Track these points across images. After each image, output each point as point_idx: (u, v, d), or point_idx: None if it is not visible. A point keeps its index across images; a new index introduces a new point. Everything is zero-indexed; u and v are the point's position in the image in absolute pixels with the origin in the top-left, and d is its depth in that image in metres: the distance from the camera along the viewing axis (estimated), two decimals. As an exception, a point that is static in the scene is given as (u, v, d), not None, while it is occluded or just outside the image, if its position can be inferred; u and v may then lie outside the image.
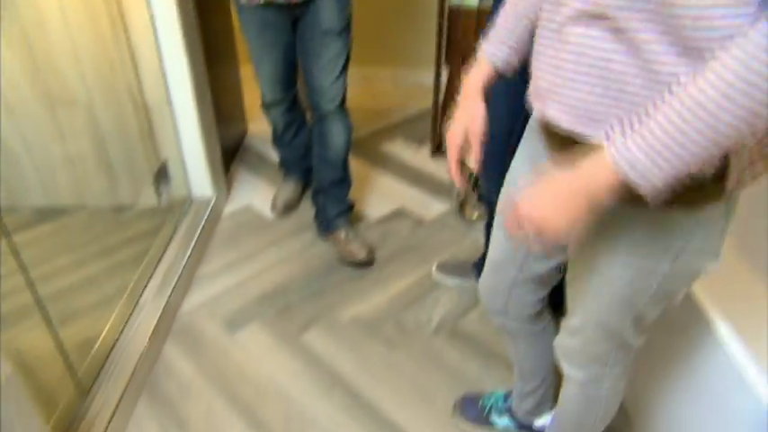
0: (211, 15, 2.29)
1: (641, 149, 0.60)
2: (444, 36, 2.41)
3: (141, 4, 1.79)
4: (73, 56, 1.86)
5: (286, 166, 2.38)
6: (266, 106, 2.08)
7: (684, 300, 1.14)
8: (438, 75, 2.50)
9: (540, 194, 0.70)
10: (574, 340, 0.98)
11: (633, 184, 0.61)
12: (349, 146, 1.97)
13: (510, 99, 1.43)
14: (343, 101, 1.88)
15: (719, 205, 0.75)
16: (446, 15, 2.37)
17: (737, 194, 0.76)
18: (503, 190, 1.03)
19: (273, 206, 2.31)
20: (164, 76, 1.93)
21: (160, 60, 1.90)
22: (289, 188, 2.36)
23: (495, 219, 1.06)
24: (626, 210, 0.75)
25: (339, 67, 1.79)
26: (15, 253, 1.24)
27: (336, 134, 1.92)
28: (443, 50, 2.44)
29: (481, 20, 2.32)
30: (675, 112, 0.58)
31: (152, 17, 1.82)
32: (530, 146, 0.96)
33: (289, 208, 2.32)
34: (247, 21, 1.78)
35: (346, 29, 1.76)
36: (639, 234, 0.78)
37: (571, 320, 0.97)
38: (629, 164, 0.60)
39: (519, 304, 1.10)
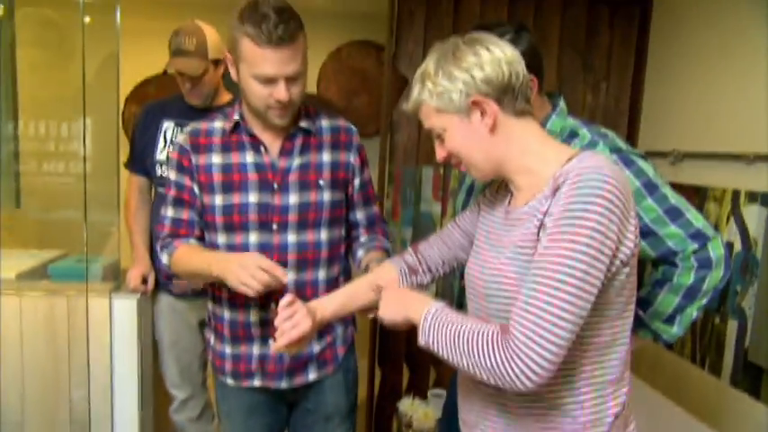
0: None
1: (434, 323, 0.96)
2: (377, 341, 2.65)
3: (105, 355, 1.90)
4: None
5: None
6: None
7: None
8: (372, 376, 2.67)
9: (395, 291, 1.12)
10: None
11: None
12: None
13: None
14: None
15: None
16: (378, 324, 2.65)
17: None
18: None
19: None
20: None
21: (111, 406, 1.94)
22: None
23: None
24: None
25: None
26: None
27: None
28: (376, 356, 2.65)
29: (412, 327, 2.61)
30: (452, 325, 0.94)
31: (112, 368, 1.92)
32: None
33: None
34: (231, 405, 1.48)
35: (353, 410, 1.56)
36: None
37: None
38: (423, 325, 0.97)
39: None
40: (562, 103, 1.39)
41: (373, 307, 1.23)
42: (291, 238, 1.38)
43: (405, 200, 2.50)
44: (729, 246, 2.01)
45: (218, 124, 1.41)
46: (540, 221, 0.93)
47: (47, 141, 2.29)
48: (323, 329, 1.42)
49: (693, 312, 1.30)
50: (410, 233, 2.52)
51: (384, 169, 2.51)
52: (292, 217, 1.38)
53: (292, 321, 1.12)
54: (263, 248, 1.36)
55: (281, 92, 1.26)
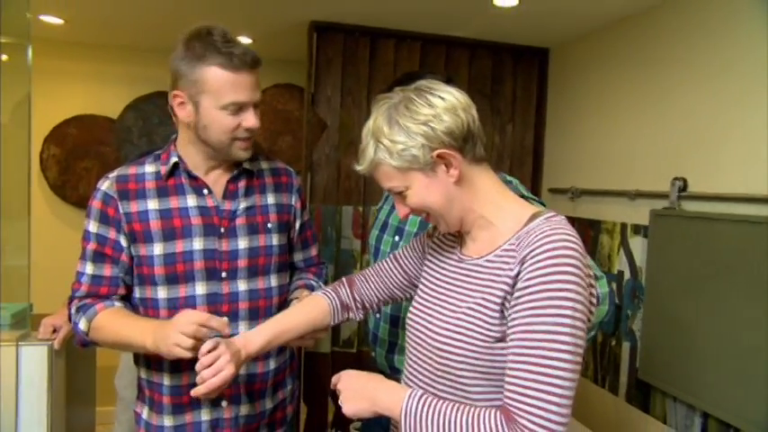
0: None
1: (419, 416, 0.90)
2: (302, 378, 2.67)
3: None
4: None
5: None
6: None
7: None
8: (297, 412, 2.68)
9: (356, 378, 1.01)
10: None
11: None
12: None
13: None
14: None
15: None
16: (303, 359, 2.68)
17: None
18: None
19: None
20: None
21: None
22: None
23: None
24: None
25: None
26: None
27: None
28: (301, 392, 2.67)
29: (336, 361, 2.66)
30: (444, 417, 0.89)
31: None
32: None
33: None
34: None
35: None
36: None
37: None
38: (406, 418, 0.91)
39: None
40: None
41: (299, 338, 1.20)
42: (242, 286, 1.29)
43: (326, 238, 2.58)
44: (620, 274, 2.21)
45: (149, 168, 1.29)
46: (509, 285, 0.90)
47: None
48: (276, 386, 1.38)
49: None
50: (332, 270, 2.59)
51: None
52: (242, 263, 1.28)
53: (215, 367, 1.04)
54: (212, 300, 1.26)
55: (251, 119, 1.21)
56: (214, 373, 1.04)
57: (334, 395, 1.03)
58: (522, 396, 0.84)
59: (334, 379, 1.05)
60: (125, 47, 3.13)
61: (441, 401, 0.92)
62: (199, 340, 1.08)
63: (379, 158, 0.95)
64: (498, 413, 0.86)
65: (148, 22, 2.67)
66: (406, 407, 0.91)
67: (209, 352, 1.06)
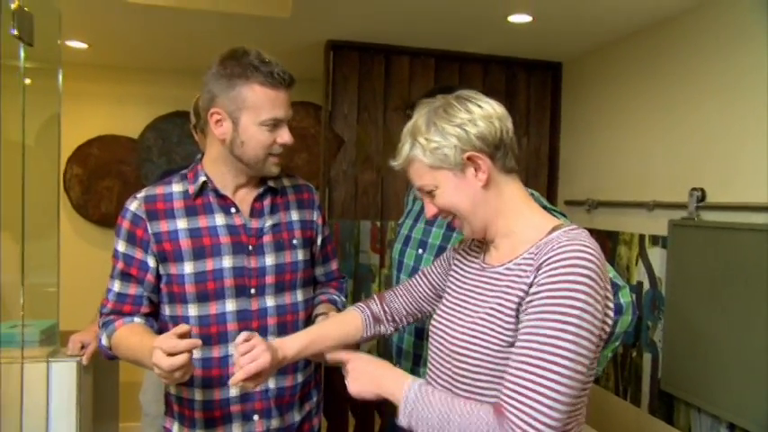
0: None
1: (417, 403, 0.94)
2: (323, 391, 2.69)
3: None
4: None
5: None
6: None
7: None
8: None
9: (366, 361, 1.05)
10: None
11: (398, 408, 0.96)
12: None
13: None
14: None
15: None
16: (323, 373, 2.69)
17: None
18: None
19: None
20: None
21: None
22: None
23: None
24: None
25: None
26: None
27: None
28: (322, 405, 2.68)
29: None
30: (440, 405, 0.92)
31: None
32: None
33: None
34: None
35: None
36: None
37: None
38: (405, 404, 0.94)
39: None
40: None
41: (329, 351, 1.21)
42: (270, 301, 1.32)
43: (344, 252, 2.61)
44: (639, 285, 2.21)
45: (176, 188, 1.32)
46: (524, 292, 0.93)
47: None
48: (303, 398, 1.41)
49: (609, 354, 1.43)
50: (351, 284, 2.62)
51: (324, 223, 2.63)
52: (269, 279, 1.32)
53: (251, 355, 1.06)
54: (242, 316, 1.29)
55: (285, 135, 1.27)
56: (251, 359, 1.06)
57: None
58: (514, 393, 0.87)
59: (344, 356, 1.09)
60: (145, 69, 3.20)
61: (439, 391, 0.96)
62: (183, 365, 1.03)
63: (413, 155, 1.01)
64: (491, 408, 0.89)
65: (168, 45, 2.74)
66: (407, 392, 0.96)
67: (245, 342, 1.08)
